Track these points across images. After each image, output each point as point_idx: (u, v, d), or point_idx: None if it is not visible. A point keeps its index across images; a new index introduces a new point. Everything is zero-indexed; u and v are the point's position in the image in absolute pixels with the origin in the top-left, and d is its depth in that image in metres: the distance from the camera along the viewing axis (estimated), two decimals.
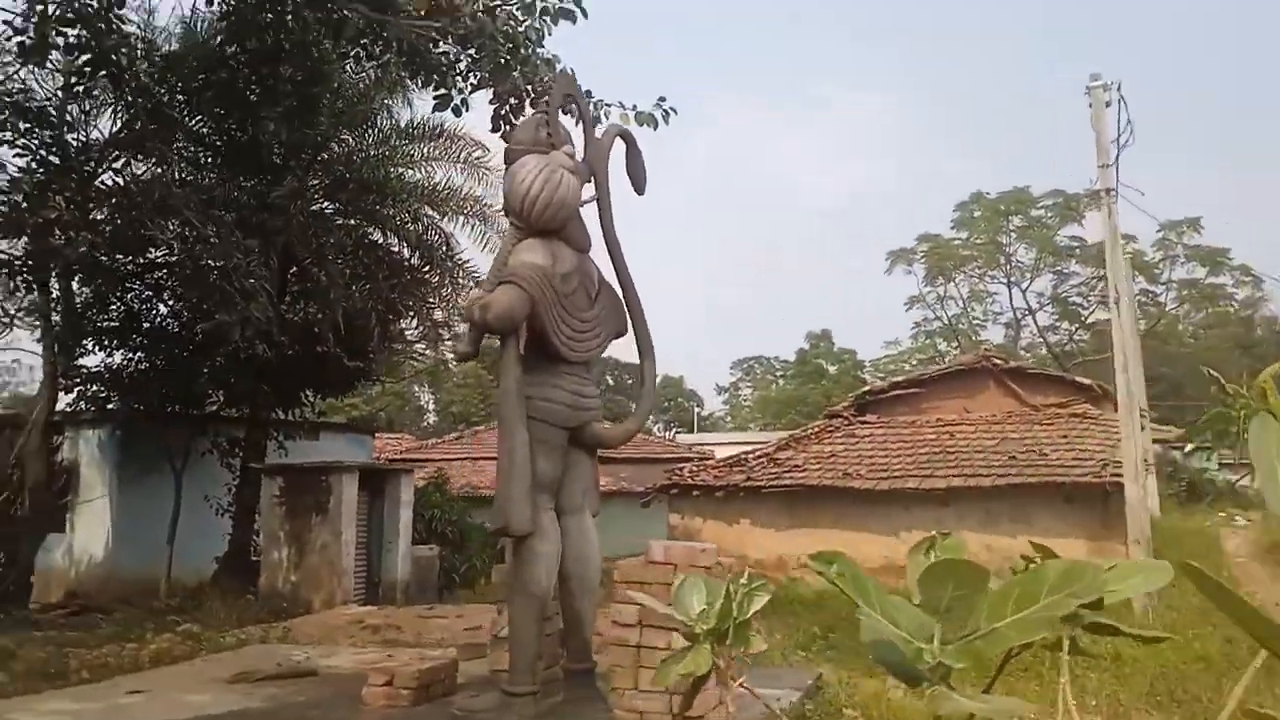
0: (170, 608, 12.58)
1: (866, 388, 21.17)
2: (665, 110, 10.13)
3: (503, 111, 11.06)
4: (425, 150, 17.34)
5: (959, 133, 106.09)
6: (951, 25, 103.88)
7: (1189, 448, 28.40)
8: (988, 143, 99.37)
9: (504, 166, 5.76)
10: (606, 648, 4.95)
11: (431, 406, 61.04)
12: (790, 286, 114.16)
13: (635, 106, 10.09)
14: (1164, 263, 37.46)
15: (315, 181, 16.47)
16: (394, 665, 5.34)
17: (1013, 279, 39.39)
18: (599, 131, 6.11)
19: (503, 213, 5.71)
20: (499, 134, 11.29)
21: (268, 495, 13.76)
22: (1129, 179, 13.85)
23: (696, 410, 69.00)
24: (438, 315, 18.29)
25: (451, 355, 5.88)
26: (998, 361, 19.27)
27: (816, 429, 19.60)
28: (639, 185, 6.01)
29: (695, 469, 19.18)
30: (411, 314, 18.34)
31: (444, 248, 16.83)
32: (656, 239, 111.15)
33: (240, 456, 15.74)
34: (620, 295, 5.83)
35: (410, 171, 17.32)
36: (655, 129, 10.40)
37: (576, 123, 5.91)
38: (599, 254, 5.90)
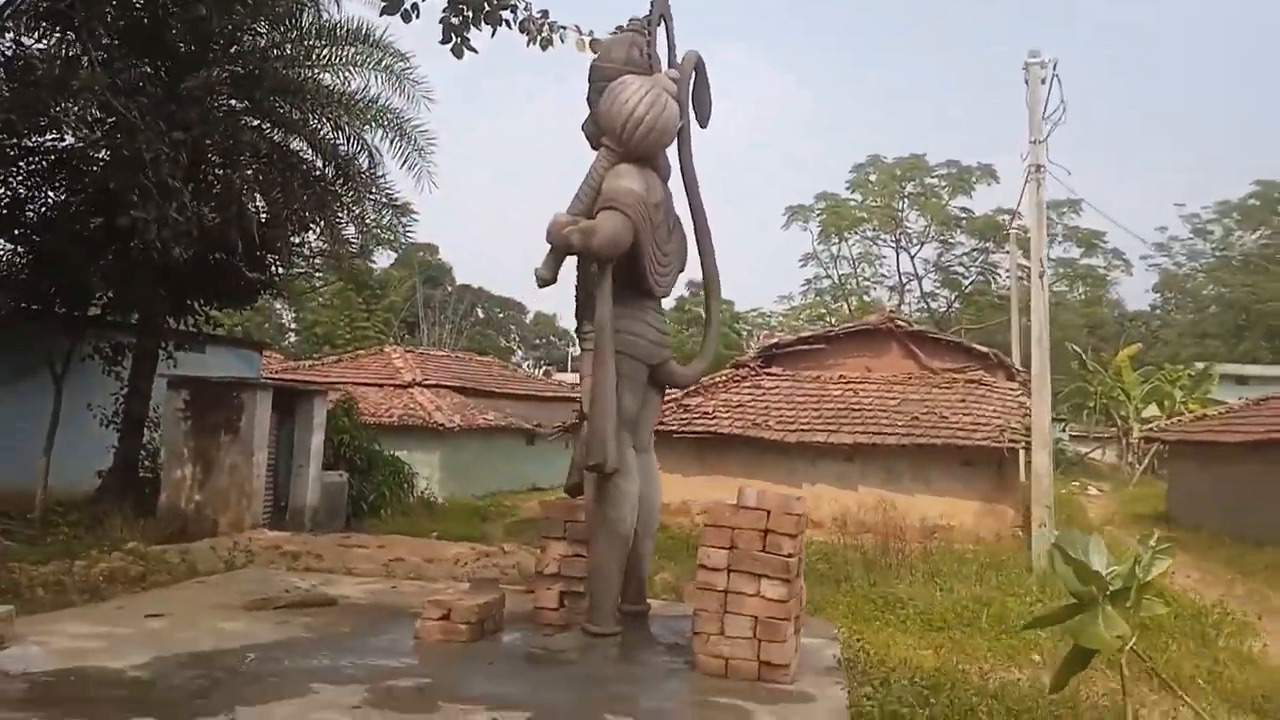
0: (53, 523, 11.69)
1: (774, 340, 21.40)
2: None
3: (455, 21, 10.43)
4: (347, 55, 16.29)
5: (869, 94, 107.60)
6: None
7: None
8: (899, 108, 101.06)
9: (593, 83, 5.35)
10: (693, 592, 4.78)
11: (293, 325, 58.82)
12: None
13: (592, 32, 9.69)
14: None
15: (226, 75, 15.26)
16: (448, 599, 5.03)
17: (902, 244, 40.74)
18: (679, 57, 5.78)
19: (589, 134, 5.28)
20: (449, 46, 10.69)
21: (171, 409, 12.87)
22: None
23: (570, 349, 68.71)
24: (349, 231, 17.37)
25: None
26: (901, 324, 19.78)
27: (724, 378, 19.70)
28: (704, 117, 5.75)
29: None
30: (320, 226, 17.36)
31: (366, 160, 15.91)
32: (540, 169, 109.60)
33: (130, 365, 14.65)
34: (688, 231, 5.60)
35: (328, 76, 16.27)
36: (582, 50, 10.01)
37: (645, 48, 5.54)
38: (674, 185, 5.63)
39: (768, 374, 19.40)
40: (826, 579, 11.01)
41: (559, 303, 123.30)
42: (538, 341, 71.61)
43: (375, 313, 52.92)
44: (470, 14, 10.16)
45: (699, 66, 5.58)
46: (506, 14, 9.37)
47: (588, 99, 5.36)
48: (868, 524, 16.53)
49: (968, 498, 16.79)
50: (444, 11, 10.22)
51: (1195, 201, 53.72)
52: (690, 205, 5.73)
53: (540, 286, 5.33)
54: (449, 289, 62.80)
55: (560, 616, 5.31)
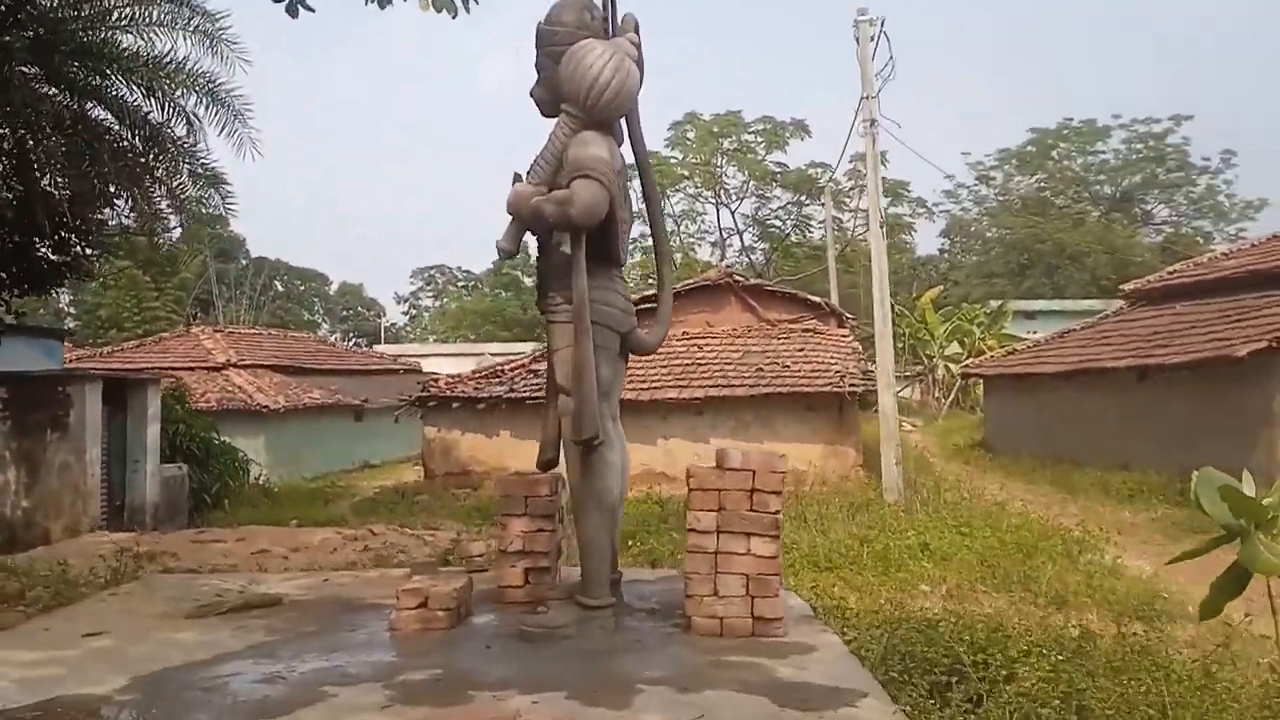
0: None
1: None
2: None
3: None
4: (152, 15, 14.96)
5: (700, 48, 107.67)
6: None
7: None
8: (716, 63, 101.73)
9: (542, 48, 5.06)
10: (683, 554, 4.73)
11: (71, 309, 54.28)
12: (482, 193, 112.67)
13: None
14: (853, 192, 41.40)
15: (19, 40, 13.72)
16: (423, 585, 4.74)
17: (722, 200, 41.62)
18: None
19: (542, 99, 5.01)
20: (283, 4, 10.05)
21: None
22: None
23: (381, 320, 66.65)
24: (163, 205, 16.07)
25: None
26: (739, 279, 20.23)
27: None
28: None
29: (452, 381, 18.57)
30: (129, 201, 15.98)
31: (185, 128, 14.71)
32: (337, 135, 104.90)
33: None
34: (634, 195, 5.46)
35: (130, 38, 14.90)
36: (454, 16, 9.68)
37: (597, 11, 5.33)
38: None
39: None
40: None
41: (363, 270, 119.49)
42: (345, 313, 69.03)
43: (165, 291, 49.38)
44: None
45: (637, 32, 5.45)
46: None
47: (536, 64, 5.14)
48: None
49: (813, 442, 17.43)
50: None
51: (1011, 140, 57.69)
52: (640, 170, 5.62)
53: (502, 259, 5.12)
54: (244, 262, 59.49)
55: (525, 594, 5.16)
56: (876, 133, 15.13)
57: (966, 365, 25.97)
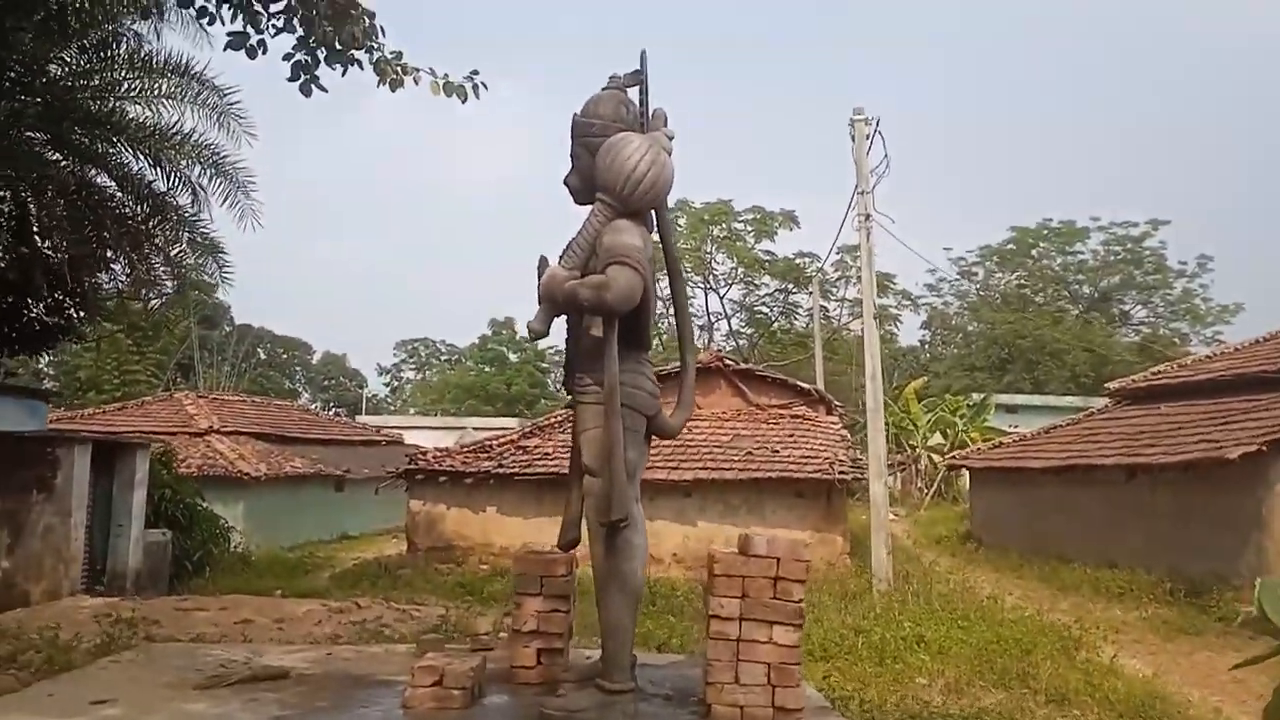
0: None
1: None
2: (476, 84, 9.64)
3: (304, 60, 9.97)
4: (161, 87, 15.19)
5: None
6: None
7: None
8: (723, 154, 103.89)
9: (577, 138, 5.20)
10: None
11: (49, 370, 53.80)
12: (470, 269, 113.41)
13: (446, 75, 9.53)
14: (840, 282, 42.21)
15: (25, 106, 13.89)
16: (438, 663, 4.65)
17: (710, 285, 42.10)
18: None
19: (575, 188, 5.15)
20: (297, 83, 10.25)
21: None
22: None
23: (363, 391, 66.36)
24: (161, 271, 16.12)
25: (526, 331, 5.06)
26: (729, 362, 20.35)
27: (560, 417, 19.58)
28: None
29: (439, 455, 18.46)
30: (125, 266, 16.03)
31: (189, 198, 14.85)
32: (321, 206, 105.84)
33: None
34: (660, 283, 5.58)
35: (138, 108, 15.10)
36: (464, 101, 9.90)
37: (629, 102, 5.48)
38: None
39: None
40: (700, 615, 11.06)
41: (348, 342, 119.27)
42: (326, 383, 68.70)
43: (146, 355, 49.09)
44: (323, 53, 9.76)
45: (665, 123, 5.61)
46: (360, 53, 9.07)
47: (572, 154, 5.27)
48: (704, 556, 16.81)
49: (800, 528, 17.34)
50: (293, 49, 9.74)
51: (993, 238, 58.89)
52: (667, 259, 5.73)
53: (533, 339, 5.20)
54: (227, 329, 59.32)
55: (538, 675, 5.09)
56: (870, 227, 15.43)
57: (952, 456, 26.08)
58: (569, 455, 5.93)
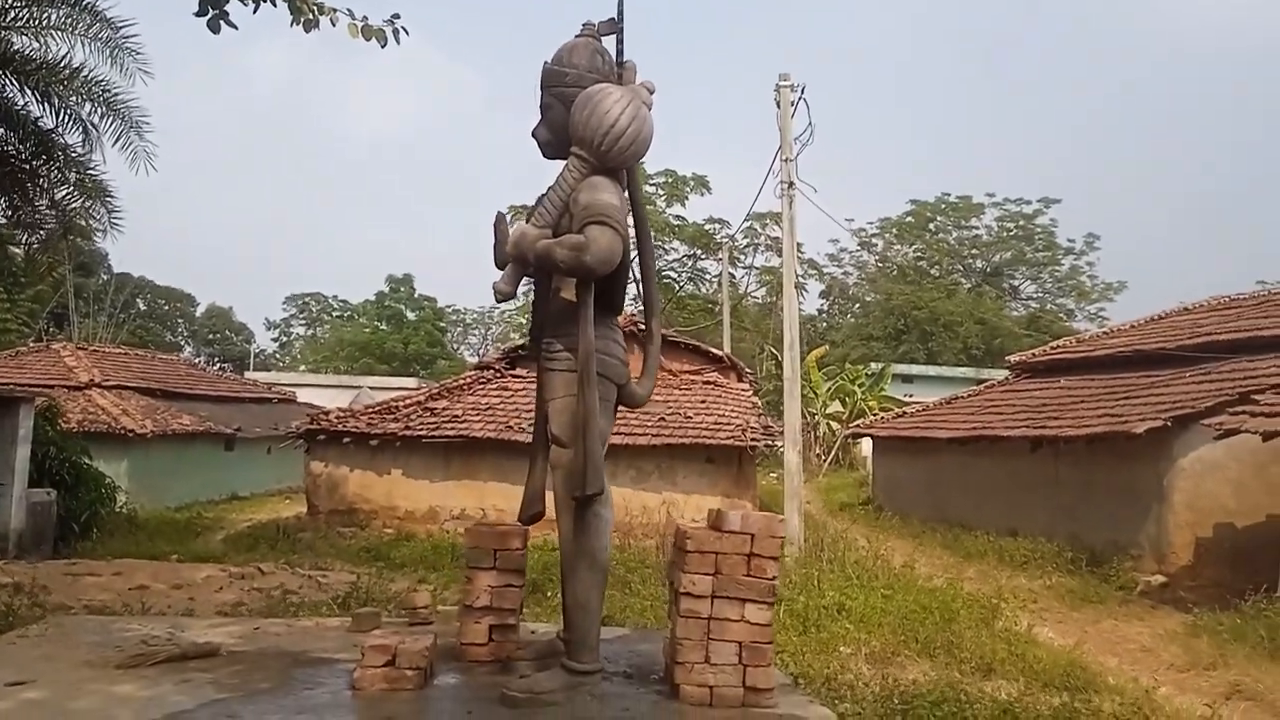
0: None
1: (521, 341, 21.07)
2: (397, 28, 9.20)
3: None
4: (49, 17, 14.07)
5: None
6: None
7: None
8: None
9: (549, 88, 4.82)
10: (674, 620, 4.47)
11: None
12: (366, 224, 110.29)
13: (366, 18, 9.08)
14: (748, 249, 42.52)
15: None
16: (390, 641, 4.32)
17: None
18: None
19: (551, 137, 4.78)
20: (205, 19, 9.67)
21: None
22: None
23: (250, 346, 64.05)
24: (45, 213, 15.08)
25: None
26: (642, 327, 20.10)
27: (469, 379, 19.13)
28: None
29: (342, 415, 17.82)
30: (6, 207, 14.95)
31: (78, 136, 13.87)
32: (205, 151, 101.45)
33: None
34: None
35: (25, 39, 13.98)
36: (384, 45, 9.44)
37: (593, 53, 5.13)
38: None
39: (514, 376, 19.04)
40: (631, 587, 10.94)
41: (233, 295, 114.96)
42: (211, 336, 66.10)
43: (18, 303, 46.31)
44: None
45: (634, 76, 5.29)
46: None
47: (542, 104, 4.90)
48: (618, 524, 16.72)
49: (711, 494, 17.36)
50: None
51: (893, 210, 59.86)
52: (636, 220, 5.43)
53: (499, 301, 4.83)
54: (105, 278, 56.40)
55: (489, 652, 4.81)
56: (793, 195, 15.32)
57: (857, 425, 26.54)
58: (531, 423, 5.63)
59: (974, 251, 52.94)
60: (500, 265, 5.20)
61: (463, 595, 4.85)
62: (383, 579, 11.27)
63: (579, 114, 4.61)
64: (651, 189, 40.04)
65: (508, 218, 4.94)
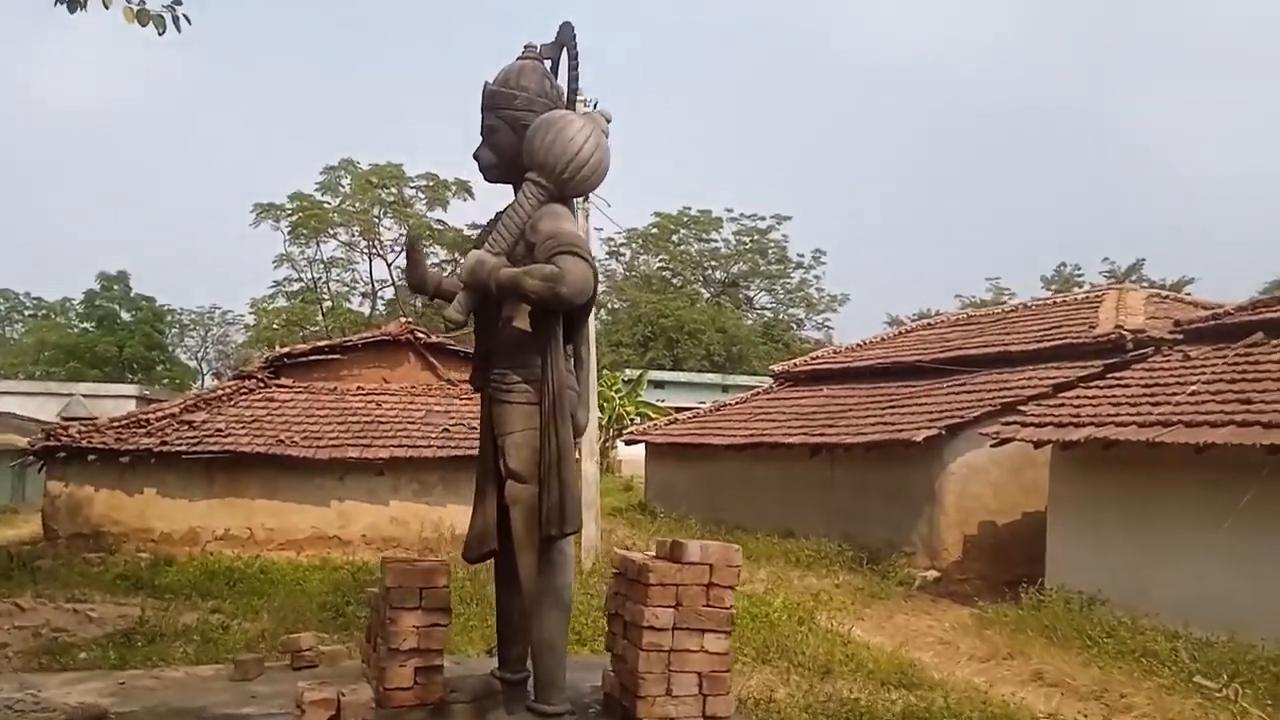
0: None
1: (286, 349, 19.75)
2: (177, 15, 8.52)
3: None
4: None
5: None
6: None
7: None
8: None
9: (494, 110, 4.47)
10: (634, 652, 4.28)
11: None
12: (64, 214, 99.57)
13: (143, 1, 8.37)
14: None
15: None
16: (330, 695, 3.81)
17: (376, 251, 40.11)
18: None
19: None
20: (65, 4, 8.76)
21: None
22: None
23: None
24: None
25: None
26: (420, 335, 19.48)
27: (229, 390, 17.73)
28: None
29: (85, 429, 15.97)
30: None
31: None
32: None
33: None
34: None
35: None
36: (162, 33, 8.74)
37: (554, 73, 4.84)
38: None
39: (279, 386, 17.85)
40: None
41: None
42: None
43: None
44: None
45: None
46: None
47: (487, 126, 4.55)
48: (401, 539, 16.14)
49: None
50: None
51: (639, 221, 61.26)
52: None
53: (449, 329, 4.49)
54: None
55: (414, 696, 4.42)
56: (589, 207, 15.33)
57: (631, 431, 27.04)
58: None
59: (714, 263, 55.56)
60: (415, 287, 4.88)
61: (384, 637, 4.43)
62: (170, 611, 10.20)
63: (540, 140, 4.36)
64: (411, 192, 39.03)
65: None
